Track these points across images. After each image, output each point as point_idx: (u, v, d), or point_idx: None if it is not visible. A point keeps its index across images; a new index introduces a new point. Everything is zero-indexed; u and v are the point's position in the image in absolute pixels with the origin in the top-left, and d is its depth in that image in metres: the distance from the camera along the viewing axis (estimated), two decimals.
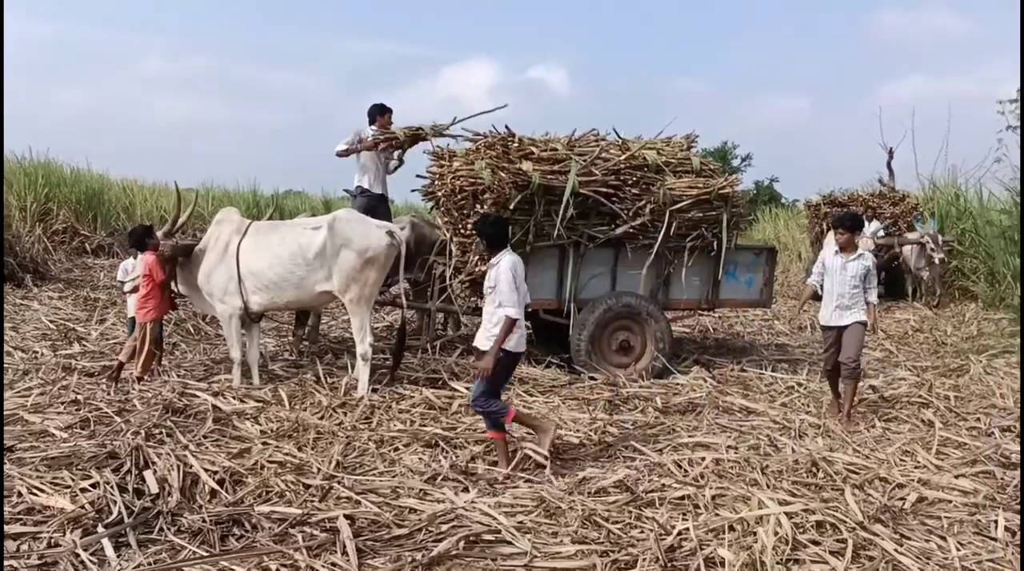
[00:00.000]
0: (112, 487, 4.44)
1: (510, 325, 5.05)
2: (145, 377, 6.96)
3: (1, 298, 10.07)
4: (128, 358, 7.07)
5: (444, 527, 4.20)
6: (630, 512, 4.50)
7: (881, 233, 14.63)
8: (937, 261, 13.37)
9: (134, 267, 7.78)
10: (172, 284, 7.33)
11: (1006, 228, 12.03)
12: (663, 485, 4.92)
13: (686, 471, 5.22)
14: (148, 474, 4.66)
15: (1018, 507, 4.76)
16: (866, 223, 13.90)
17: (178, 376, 7.29)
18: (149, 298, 7.01)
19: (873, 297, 6.66)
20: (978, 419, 6.61)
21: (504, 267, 5.14)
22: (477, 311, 8.72)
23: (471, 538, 4.08)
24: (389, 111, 9.09)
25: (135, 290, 7.24)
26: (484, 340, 5.26)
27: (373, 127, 8.97)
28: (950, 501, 4.80)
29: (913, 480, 5.09)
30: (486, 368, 5.05)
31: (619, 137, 8.43)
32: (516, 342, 5.19)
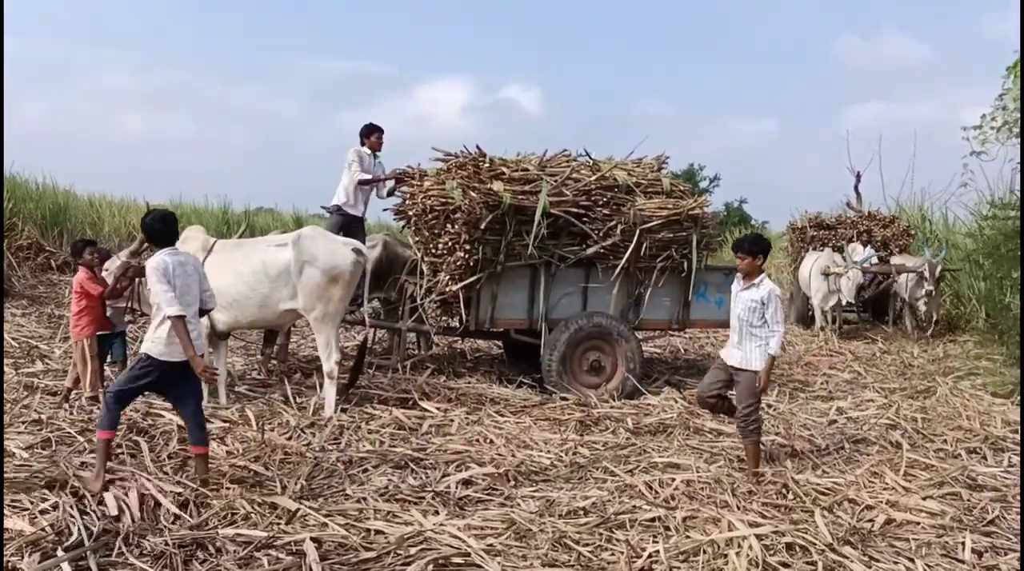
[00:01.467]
0: (72, 509, 4.33)
1: (180, 324, 4.68)
2: (98, 395, 6.80)
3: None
4: (73, 383, 6.91)
5: (412, 550, 4.14)
6: (601, 534, 4.47)
7: (874, 260, 13.40)
8: (924, 293, 12.34)
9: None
10: (132, 302, 7.20)
11: (971, 251, 12.24)
12: (634, 507, 4.90)
13: (657, 492, 5.21)
14: (108, 496, 4.55)
15: (985, 529, 4.81)
16: (861, 249, 13.28)
17: (143, 395, 7.15)
18: (83, 315, 6.86)
19: (773, 345, 5.58)
20: (945, 440, 6.68)
21: (150, 266, 4.79)
22: (449, 330, 8.72)
23: (440, 561, 4.03)
24: (380, 130, 9.09)
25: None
26: (148, 342, 4.87)
27: (365, 147, 8.96)
28: (918, 523, 4.83)
29: (881, 502, 5.12)
30: (210, 375, 5.04)
31: (590, 158, 8.47)
32: (167, 349, 4.80)
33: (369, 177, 8.88)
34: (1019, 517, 5.06)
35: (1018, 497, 5.43)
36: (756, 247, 5.74)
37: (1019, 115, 10.67)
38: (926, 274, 12.16)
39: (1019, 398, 8.13)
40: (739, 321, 5.72)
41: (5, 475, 4.77)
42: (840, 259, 12.94)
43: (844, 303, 12.70)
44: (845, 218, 15.08)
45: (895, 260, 13.50)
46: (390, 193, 9.09)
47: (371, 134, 9.04)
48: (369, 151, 8.98)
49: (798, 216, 15.94)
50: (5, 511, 4.28)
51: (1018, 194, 11.58)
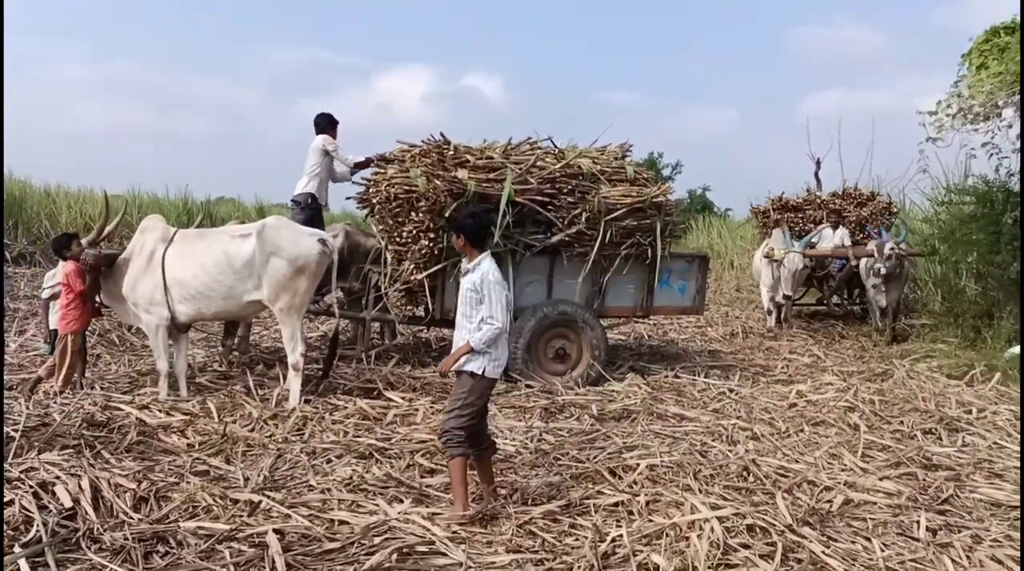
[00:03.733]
0: (30, 504, 4.26)
1: None
2: (66, 391, 6.72)
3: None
4: (48, 374, 6.84)
5: (377, 539, 4.13)
6: (565, 520, 4.50)
7: (832, 243, 12.32)
8: (871, 285, 11.07)
9: (54, 275, 7.49)
10: (97, 294, 7.10)
11: (927, 236, 12.46)
12: (598, 492, 4.94)
13: (620, 477, 5.26)
14: (65, 490, 4.47)
15: (939, 508, 4.92)
16: (831, 233, 12.47)
17: (101, 388, 7.05)
18: (70, 309, 6.79)
19: (477, 338, 4.52)
20: (901, 422, 6.81)
21: None
22: (414, 320, 8.69)
23: (404, 550, 4.03)
24: (337, 122, 9.01)
25: (54, 297, 7.02)
26: None
27: (324, 137, 8.84)
28: (875, 503, 4.93)
29: (840, 483, 5.22)
30: None
31: (554, 146, 8.47)
32: None
33: (363, 158, 8.76)
34: (973, 496, 5.20)
35: (972, 476, 5.57)
36: (455, 224, 4.85)
37: (974, 103, 10.88)
38: (875, 255, 10.98)
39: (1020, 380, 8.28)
40: (462, 315, 4.69)
41: None
42: (781, 242, 11.72)
43: (781, 297, 11.59)
44: (814, 198, 13.73)
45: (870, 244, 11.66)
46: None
47: (334, 126, 8.95)
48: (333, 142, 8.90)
49: (762, 199, 14.45)
50: None
51: (972, 180, 11.83)
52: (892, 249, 10.88)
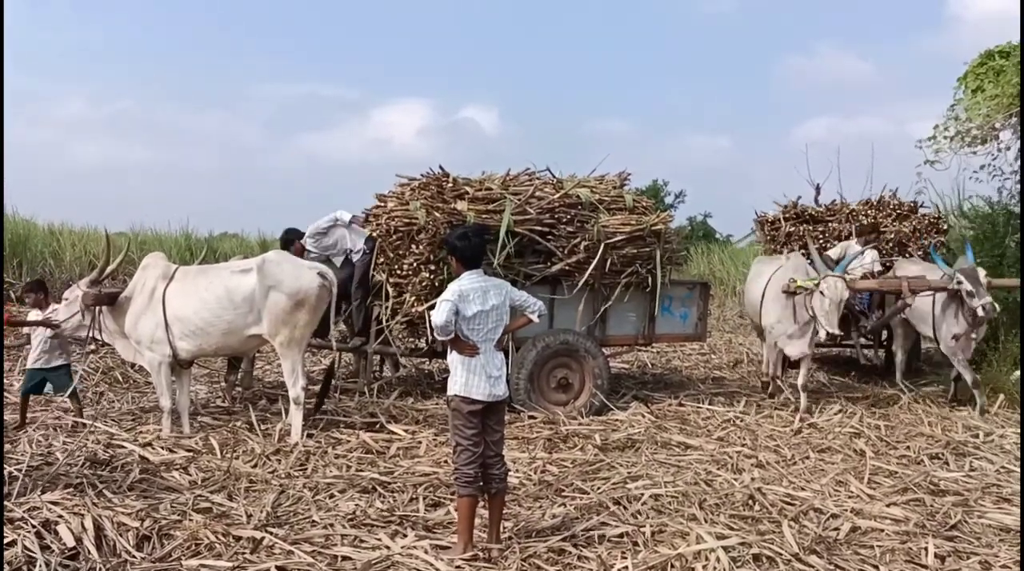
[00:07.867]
0: (32, 543, 4.24)
1: None
2: None
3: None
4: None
5: None
6: (570, 552, 4.46)
7: (866, 263, 9.35)
8: (982, 311, 7.81)
9: (55, 310, 7.43)
10: (93, 331, 7.09)
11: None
12: (602, 523, 4.90)
13: (625, 508, 5.22)
14: (68, 529, 4.45)
15: (948, 534, 4.88)
16: (858, 251, 9.28)
17: (104, 426, 7.04)
18: None
19: (533, 309, 4.81)
20: (908, 447, 6.78)
21: None
22: (416, 352, 8.69)
23: None
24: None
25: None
26: None
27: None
28: (882, 530, 4.89)
29: (847, 510, 5.19)
30: None
31: (553, 176, 8.52)
32: None
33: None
34: (981, 521, 5.15)
35: (980, 501, 5.52)
36: (448, 245, 4.85)
37: (971, 125, 10.95)
38: (965, 287, 7.91)
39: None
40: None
41: None
42: (808, 268, 8.39)
43: (824, 337, 8.19)
44: (839, 206, 11.03)
45: (906, 268, 9.24)
46: None
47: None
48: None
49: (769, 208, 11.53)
50: None
51: (970, 202, 11.87)
52: (982, 277, 8.01)
